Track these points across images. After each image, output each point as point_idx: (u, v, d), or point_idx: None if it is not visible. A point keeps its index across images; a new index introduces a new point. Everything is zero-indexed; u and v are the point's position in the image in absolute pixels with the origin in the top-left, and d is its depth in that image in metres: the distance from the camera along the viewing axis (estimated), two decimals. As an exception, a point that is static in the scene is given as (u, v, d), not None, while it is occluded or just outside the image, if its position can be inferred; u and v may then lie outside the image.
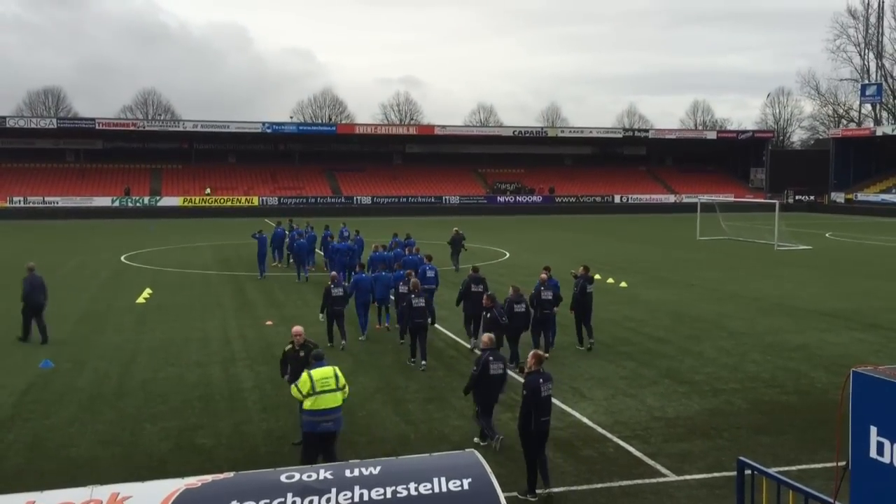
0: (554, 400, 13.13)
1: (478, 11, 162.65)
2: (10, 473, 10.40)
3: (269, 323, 20.10)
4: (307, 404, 9.69)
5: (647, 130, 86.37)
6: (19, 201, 64.88)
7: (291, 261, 30.15)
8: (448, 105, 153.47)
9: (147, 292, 24.71)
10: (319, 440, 9.74)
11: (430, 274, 19.92)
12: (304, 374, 9.87)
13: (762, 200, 65.52)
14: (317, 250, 30.94)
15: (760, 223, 47.56)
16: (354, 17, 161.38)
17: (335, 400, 9.75)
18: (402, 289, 17.40)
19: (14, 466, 10.61)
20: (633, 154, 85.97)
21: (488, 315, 13.90)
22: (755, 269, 31.89)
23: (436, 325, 17.92)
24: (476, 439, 11.57)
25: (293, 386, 10.12)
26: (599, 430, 12.20)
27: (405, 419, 12.66)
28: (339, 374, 9.96)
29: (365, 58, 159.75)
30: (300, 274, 28.11)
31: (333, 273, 19.27)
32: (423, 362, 15.73)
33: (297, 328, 11.77)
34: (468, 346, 17.38)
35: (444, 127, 79.19)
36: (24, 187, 66.59)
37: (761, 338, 18.67)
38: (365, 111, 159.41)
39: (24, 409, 12.95)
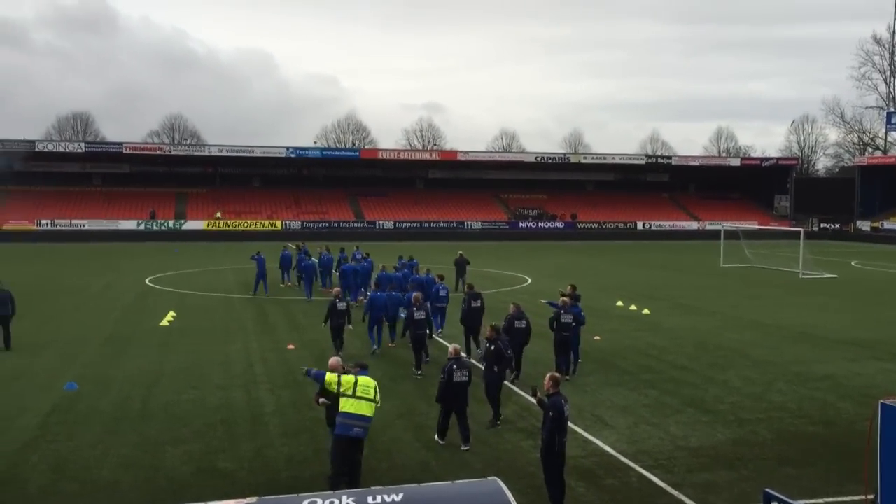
0: (575, 427, 13.11)
1: (501, 38, 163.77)
2: (33, 494, 10.47)
3: (290, 347, 20.16)
4: (346, 406, 10.15)
5: (670, 157, 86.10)
6: (47, 224, 65.76)
7: (302, 282, 31.08)
8: (470, 131, 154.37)
9: (171, 315, 24.89)
10: (349, 445, 10.12)
11: (441, 293, 21.72)
12: (350, 376, 10.38)
13: (787, 228, 64.91)
14: (334, 271, 31.56)
15: (785, 251, 47.14)
16: (378, 44, 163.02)
17: (369, 409, 10.29)
18: (418, 315, 17.97)
19: (38, 488, 10.68)
20: (655, 180, 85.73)
21: (492, 347, 13.86)
22: (780, 297, 31.58)
23: (434, 337, 19.30)
24: (436, 437, 12.63)
25: (335, 374, 10.45)
26: (622, 458, 12.08)
27: (426, 445, 12.61)
28: (377, 388, 10.50)
29: (388, 83, 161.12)
30: (309, 294, 29.45)
31: (337, 289, 20.91)
32: (419, 372, 17.22)
33: (334, 359, 11.39)
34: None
35: (466, 153, 79.46)
36: (51, 210, 67.46)
37: (787, 367, 18.44)
38: (388, 136, 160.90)
39: (48, 431, 13.04)
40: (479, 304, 19.13)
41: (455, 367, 12.34)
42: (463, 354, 13.01)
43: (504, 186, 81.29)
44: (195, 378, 16.77)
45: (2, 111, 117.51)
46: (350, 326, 19.58)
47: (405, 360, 18.47)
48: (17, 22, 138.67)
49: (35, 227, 64.86)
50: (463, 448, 12.31)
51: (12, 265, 41.20)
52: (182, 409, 14.34)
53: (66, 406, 14.51)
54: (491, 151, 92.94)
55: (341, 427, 10.15)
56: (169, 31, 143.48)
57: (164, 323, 23.79)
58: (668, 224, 78.17)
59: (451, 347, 12.99)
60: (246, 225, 69.76)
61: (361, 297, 26.28)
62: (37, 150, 68.14)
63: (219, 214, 70.64)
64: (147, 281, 35.07)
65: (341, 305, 19.14)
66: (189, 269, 40.98)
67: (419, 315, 17.64)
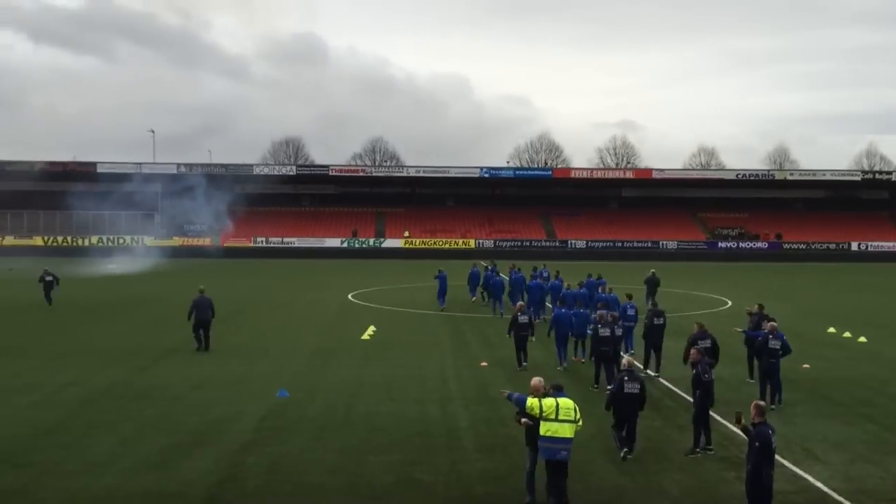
0: (784, 461, 12.33)
1: (696, 53, 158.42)
2: (249, 492, 11.27)
3: (483, 364, 20.44)
4: (549, 429, 10.29)
5: (890, 172, 79.33)
6: (262, 241, 71.20)
7: (488, 298, 32.40)
8: (666, 148, 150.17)
9: (371, 329, 26.02)
10: (554, 469, 10.32)
11: (630, 312, 21.73)
12: (551, 399, 10.46)
13: None
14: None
15: None
16: (571, 63, 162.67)
17: (571, 430, 10.40)
18: (603, 332, 18.13)
19: (254, 488, 11.47)
20: (873, 198, 79.24)
21: (693, 371, 13.34)
22: None
23: (647, 371, 18.82)
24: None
25: (536, 399, 10.57)
26: (836, 496, 11.21)
27: (620, 469, 12.33)
28: (577, 409, 10.56)
29: (582, 102, 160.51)
30: (495, 309, 30.14)
31: (520, 303, 22.27)
32: (596, 385, 17.67)
33: (536, 380, 11.29)
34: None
35: (661, 170, 77.38)
36: (266, 228, 72.91)
37: None
38: (581, 155, 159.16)
39: (262, 435, 13.99)
40: (661, 322, 19.33)
41: (626, 378, 12.71)
42: (650, 371, 12.82)
43: (702, 205, 78.24)
44: (393, 391, 17.40)
45: (226, 138, 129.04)
46: (533, 338, 20.65)
47: (601, 381, 18.20)
48: (240, 57, 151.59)
49: (251, 244, 70.33)
50: (623, 454, 12.49)
51: (231, 279, 44.90)
52: (382, 420, 14.91)
53: (277, 412, 15.52)
54: (688, 169, 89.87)
55: (547, 451, 10.37)
56: (372, 59, 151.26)
57: (365, 337, 24.88)
58: (887, 245, 71.99)
59: (624, 359, 13.52)
60: (440, 243, 71.71)
61: (545, 316, 26.67)
62: (253, 173, 73.91)
63: (407, 234, 73.22)
64: (349, 296, 36.87)
65: (523, 318, 20.03)
66: (387, 285, 42.66)
67: (604, 332, 17.88)
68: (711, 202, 78.28)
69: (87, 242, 69.67)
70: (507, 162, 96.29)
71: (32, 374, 18.84)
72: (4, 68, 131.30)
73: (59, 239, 70.89)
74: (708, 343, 16.17)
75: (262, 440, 13.65)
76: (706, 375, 13.52)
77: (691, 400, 16.33)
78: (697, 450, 13.00)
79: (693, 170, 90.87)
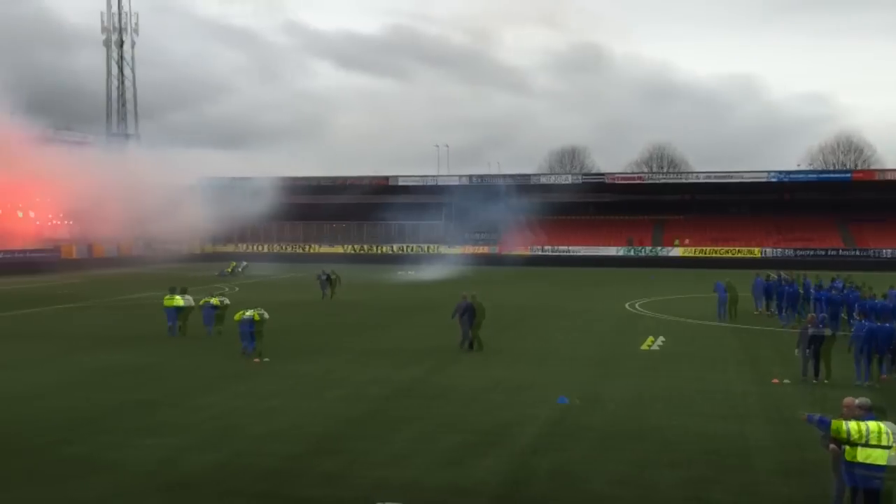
0: None
1: None
2: (538, 496, 11.54)
3: (775, 381, 19.23)
4: (858, 455, 9.51)
5: None
6: (538, 249, 72.59)
7: (772, 310, 31.36)
8: None
9: (651, 340, 25.52)
10: (865, 499, 9.52)
11: None
12: (859, 423, 9.66)
13: None
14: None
15: None
16: (887, 55, 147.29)
17: (883, 457, 9.47)
18: None
19: (542, 492, 11.73)
20: None
21: None
22: None
23: None
24: None
25: (842, 421, 9.78)
26: None
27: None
28: (890, 431, 9.57)
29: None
30: (788, 321, 28.87)
31: (811, 314, 21.32)
32: None
33: (849, 399, 10.55)
34: None
35: None
36: (547, 237, 74.24)
37: None
38: (893, 157, 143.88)
39: (549, 440, 14.23)
40: None
41: None
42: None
43: None
44: (680, 404, 16.91)
45: (508, 149, 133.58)
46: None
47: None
48: (520, 70, 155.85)
49: (527, 252, 71.97)
50: None
51: (514, 286, 46.48)
52: (670, 434, 14.55)
53: (563, 419, 15.72)
54: None
55: (855, 479, 9.58)
56: (653, 65, 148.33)
57: (646, 347, 24.46)
58: None
59: None
60: (723, 252, 68.48)
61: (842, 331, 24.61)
62: (533, 182, 75.65)
63: (676, 242, 70.77)
64: (626, 305, 36.43)
65: (814, 330, 19.06)
66: (666, 295, 41.56)
67: None
68: None
69: (386, 251, 75.80)
70: (798, 165, 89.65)
71: (341, 370, 20.77)
72: (316, 94, 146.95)
73: (364, 247, 77.54)
74: None
75: (549, 445, 13.91)
76: None
77: None
78: None
79: None
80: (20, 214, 60.78)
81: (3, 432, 14.67)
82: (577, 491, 11.72)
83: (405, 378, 19.65)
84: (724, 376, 20.03)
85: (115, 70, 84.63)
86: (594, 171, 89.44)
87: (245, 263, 60.70)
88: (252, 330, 22.15)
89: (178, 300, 26.40)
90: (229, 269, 57.40)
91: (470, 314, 23.62)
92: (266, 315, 22.61)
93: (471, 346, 23.54)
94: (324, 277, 40.22)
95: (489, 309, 24.86)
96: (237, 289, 44.36)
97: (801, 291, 30.09)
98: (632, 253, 70.77)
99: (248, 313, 22.27)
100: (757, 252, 67.82)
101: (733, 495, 11.52)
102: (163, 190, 59.44)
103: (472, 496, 11.50)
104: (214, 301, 26.54)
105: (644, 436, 14.47)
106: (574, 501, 11.37)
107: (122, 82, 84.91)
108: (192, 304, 26.75)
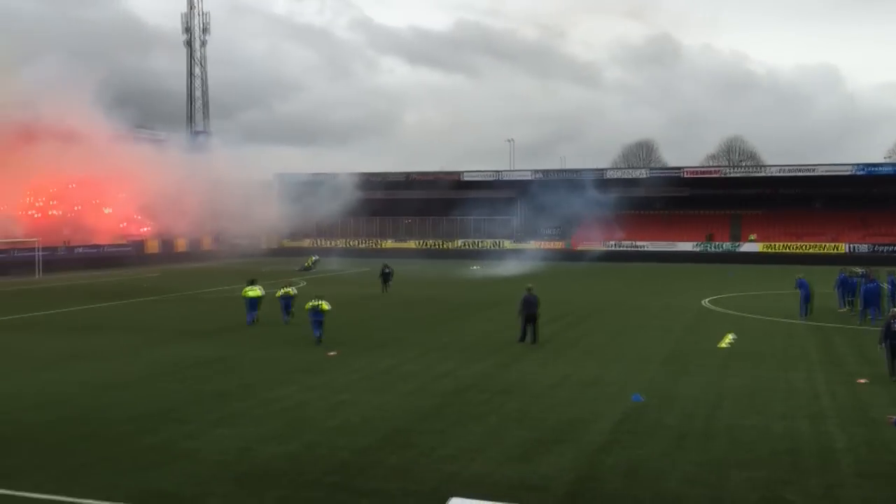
0: None
1: None
2: (608, 493, 11.38)
3: (860, 381, 18.54)
4: None
5: None
6: (612, 244, 71.63)
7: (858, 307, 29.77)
8: None
9: (729, 337, 24.92)
10: None
11: None
12: None
13: None
14: None
15: None
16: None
17: None
18: None
19: (612, 489, 11.56)
20: None
21: None
22: None
23: None
24: None
25: None
26: None
27: None
28: None
29: None
30: (874, 318, 27.63)
31: (893, 310, 20.37)
32: None
33: None
34: None
35: None
36: (621, 232, 73.18)
37: None
38: None
39: (619, 438, 14.04)
40: None
41: None
42: None
43: None
44: (757, 403, 16.46)
45: (578, 143, 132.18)
46: None
47: None
48: (591, 63, 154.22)
49: (602, 248, 71.08)
50: None
51: (585, 281, 46.03)
52: (746, 434, 14.18)
53: (634, 416, 15.48)
54: None
55: None
56: (728, 56, 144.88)
57: (723, 345, 23.88)
58: None
59: None
60: (805, 247, 66.40)
61: None
62: (605, 177, 74.63)
63: (752, 237, 68.78)
64: (703, 302, 35.65)
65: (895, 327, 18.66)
66: (745, 291, 40.53)
67: None
68: None
69: (453, 245, 75.88)
70: (885, 157, 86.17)
71: (410, 365, 20.91)
72: (386, 90, 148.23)
73: (436, 243, 77.83)
74: None
75: (620, 443, 13.72)
76: None
77: None
78: None
79: None
80: (107, 211, 63.05)
81: (88, 420, 15.26)
82: (649, 490, 11.51)
83: (473, 373, 19.65)
84: (805, 375, 19.42)
85: (196, 70, 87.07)
86: (668, 166, 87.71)
87: (316, 258, 61.71)
88: (321, 319, 24.06)
89: (257, 291, 29.03)
90: (308, 263, 58.44)
91: (528, 307, 23.96)
92: (328, 306, 24.30)
93: (523, 338, 23.81)
94: (388, 271, 41.26)
95: (559, 305, 24.72)
96: (303, 283, 45.20)
97: (884, 287, 29.04)
98: (709, 248, 69.20)
99: (314, 303, 24.26)
100: (842, 247, 65.52)
101: (810, 497, 11.15)
102: (240, 186, 60.92)
103: (540, 493, 11.42)
104: (291, 292, 29.30)
105: (718, 435, 14.14)
106: (646, 500, 11.18)
107: (205, 80, 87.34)
108: (263, 294, 29.41)
